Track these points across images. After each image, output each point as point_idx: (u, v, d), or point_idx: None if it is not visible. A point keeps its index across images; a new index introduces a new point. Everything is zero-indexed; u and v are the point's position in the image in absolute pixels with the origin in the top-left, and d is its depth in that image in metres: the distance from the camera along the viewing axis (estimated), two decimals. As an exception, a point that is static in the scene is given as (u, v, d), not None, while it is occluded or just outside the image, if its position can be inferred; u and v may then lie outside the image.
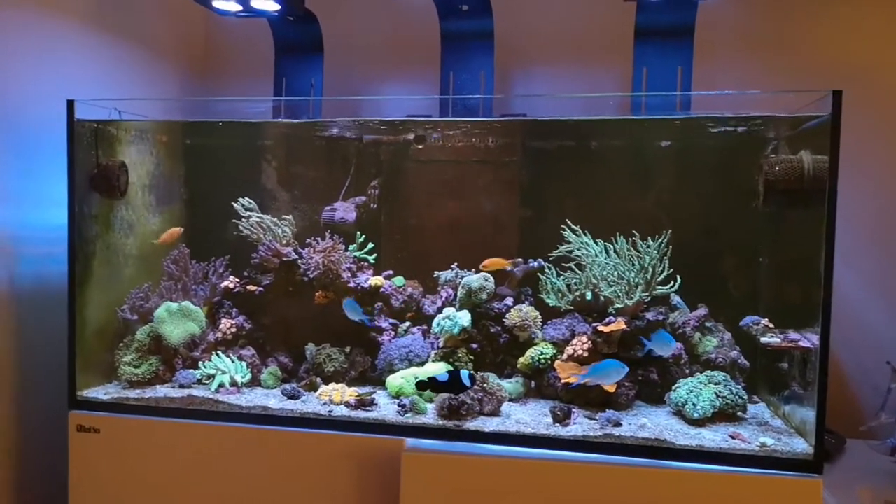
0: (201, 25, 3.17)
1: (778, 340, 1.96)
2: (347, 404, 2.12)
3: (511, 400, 2.16)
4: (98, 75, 2.56)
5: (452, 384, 1.99)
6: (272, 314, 2.47)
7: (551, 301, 2.28)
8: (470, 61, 2.62)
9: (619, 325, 2.10)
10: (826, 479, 1.80)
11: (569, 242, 2.26)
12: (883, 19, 2.58)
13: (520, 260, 2.39)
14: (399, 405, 2.09)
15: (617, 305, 2.17)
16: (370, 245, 2.49)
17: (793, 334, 1.95)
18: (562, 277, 2.27)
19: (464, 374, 1.99)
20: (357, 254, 2.48)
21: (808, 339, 1.90)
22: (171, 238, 2.48)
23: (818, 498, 1.74)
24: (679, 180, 2.47)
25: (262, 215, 2.49)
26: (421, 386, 2.06)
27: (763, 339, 2.00)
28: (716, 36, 2.61)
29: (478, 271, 2.38)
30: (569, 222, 2.26)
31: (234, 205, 2.48)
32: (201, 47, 3.19)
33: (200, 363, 2.33)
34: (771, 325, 2.04)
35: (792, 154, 2.00)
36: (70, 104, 2.20)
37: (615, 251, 2.21)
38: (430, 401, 2.13)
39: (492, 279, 2.35)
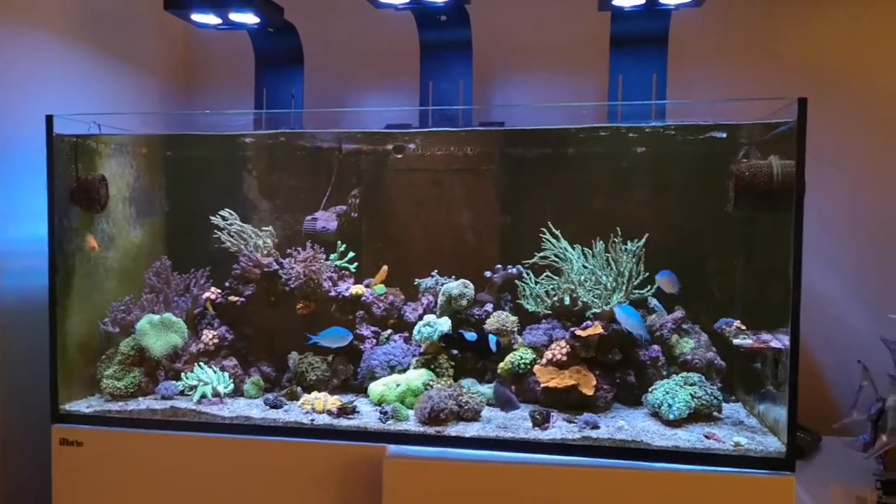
0: (181, 38, 3.19)
1: (750, 342, 1.99)
2: (329, 412, 2.14)
3: (491, 405, 2.18)
4: (78, 89, 2.57)
5: (479, 345, 2.15)
6: (254, 324, 2.48)
7: (530, 306, 2.31)
8: (449, 70, 2.65)
9: (596, 329, 2.13)
10: (801, 476, 1.84)
11: (545, 249, 2.29)
12: (854, 24, 2.64)
13: (499, 266, 2.42)
14: (381, 412, 2.11)
15: (595, 310, 2.21)
16: (351, 254, 2.51)
17: (765, 335, 1.99)
18: (539, 284, 2.30)
19: (492, 338, 2.14)
20: (338, 263, 2.50)
21: (780, 340, 1.94)
22: (89, 243, 2.42)
23: (791, 495, 1.78)
24: (654, 186, 2.51)
25: (242, 224, 2.51)
26: (446, 339, 2.18)
27: (735, 341, 2.04)
28: (689, 43, 2.65)
29: (458, 278, 2.41)
30: (550, 225, 2.29)
31: (213, 219, 2.49)
32: (181, 59, 3.20)
33: (183, 374, 2.34)
34: (743, 327, 2.08)
35: (762, 159, 2.05)
36: (49, 119, 2.22)
37: (593, 256, 2.25)
38: (411, 407, 2.15)
39: (471, 286, 2.38)
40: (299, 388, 2.31)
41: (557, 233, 2.29)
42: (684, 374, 2.13)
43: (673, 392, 2.04)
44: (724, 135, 2.30)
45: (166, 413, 2.20)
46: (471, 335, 2.18)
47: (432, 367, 2.28)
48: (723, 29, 2.74)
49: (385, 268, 2.44)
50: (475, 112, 2.69)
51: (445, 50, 2.64)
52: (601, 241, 2.24)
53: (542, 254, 2.29)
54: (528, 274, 2.34)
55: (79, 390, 2.34)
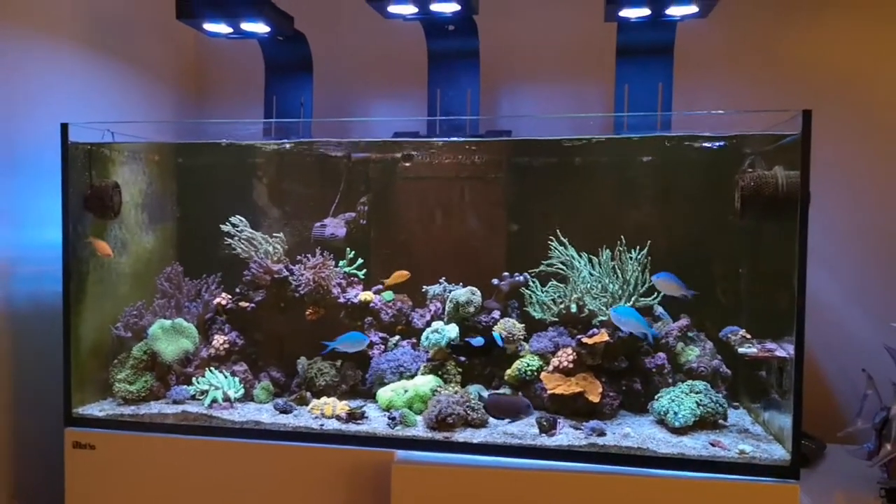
0: (192, 46, 3.23)
1: (755, 350, 2.01)
2: (338, 418, 2.17)
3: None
4: (89, 96, 2.61)
5: (486, 347, 2.21)
6: (264, 330, 2.52)
7: (536, 314, 2.33)
8: (457, 79, 2.68)
9: (603, 336, 2.15)
10: (805, 483, 1.86)
11: (551, 257, 2.32)
12: (858, 33, 2.66)
13: (506, 273, 2.45)
14: (389, 418, 2.14)
15: (601, 317, 2.23)
16: (360, 261, 2.54)
17: (770, 344, 2.01)
18: (546, 292, 2.33)
19: (496, 336, 2.20)
20: (347, 269, 2.53)
21: (785, 349, 1.96)
22: (102, 250, 2.42)
23: (795, 503, 1.80)
24: (659, 195, 2.53)
25: (253, 232, 2.54)
26: (452, 347, 2.24)
27: (740, 350, 2.06)
28: (695, 53, 2.68)
29: (465, 285, 2.44)
30: (558, 234, 2.32)
31: (223, 227, 2.53)
32: (192, 68, 3.24)
33: (194, 379, 2.37)
34: (748, 336, 2.10)
35: (767, 169, 2.07)
36: (64, 127, 2.25)
37: (599, 264, 2.28)
38: (420, 413, 2.18)
39: (479, 293, 2.41)
40: (308, 394, 2.33)
41: (565, 241, 2.31)
42: (690, 381, 2.15)
43: (679, 400, 2.06)
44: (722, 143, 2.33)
45: (178, 417, 2.23)
46: (477, 340, 2.22)
47: (440, 373, 2.30)
48: (728, 39, 2.77)
49: (404, 272, 2.46)
50: (483, 121, 2.72)
51: (453, 59, 2.67)
52: (607, 250, 2.27)
53: (548, 261, 2.32)
54: (533, 282, 2.36)
55: (91, 394, 2.38)
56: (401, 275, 2.48)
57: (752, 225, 2.21)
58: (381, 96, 3.10)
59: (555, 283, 2.33)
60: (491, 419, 2.12)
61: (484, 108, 2.79)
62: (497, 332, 2.26)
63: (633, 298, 2.22)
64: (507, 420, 2.10)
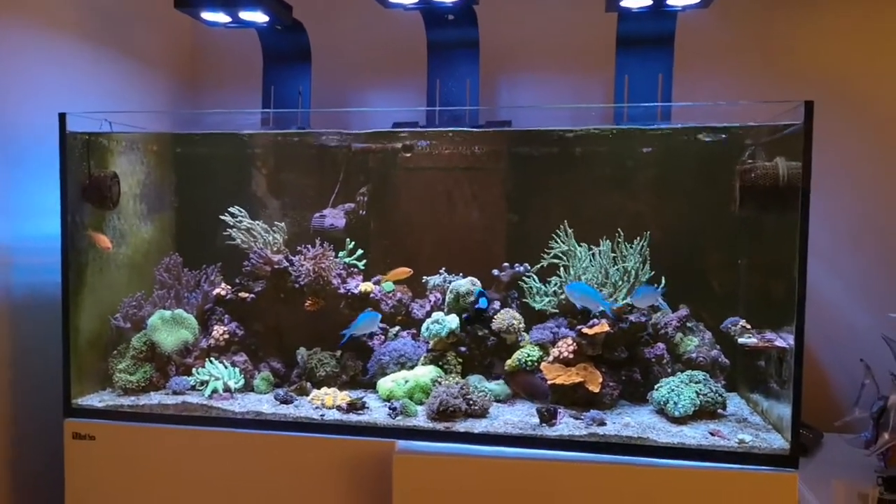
0: (189, 35, 3.20)
1: (755, 341, 2.02)
2: (339, 408, 2.17)
3: (499, 401, 2.22)
4: (86, 85, 2.59)
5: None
6: (264, 320, 2.51)
7: (536, 304, 2.34)
8: (456, 69, 2.67)
9: (603, 327, 2.16)
10: (802, 472, 1.87)
11: (552, 248, 2.32)
12: (860, 26, 2.66)
13: (506, 264, 2.45)
14: (390, 408, 2.14)
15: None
16: (360, 251, 2.54)
17: (769, 334, 2.02)
18: (551, 282, 2.33)
19: (478, 293, 2.31)
20: (347, 260, 2.53)
21: (784, 339, 1.97)
22: (101, 243, 2.41)
23: (794, 491, 1.81)
24: (660, 186, 2.53)
25: (252, 222, 2.53)
26: (469, 321, 2.33)
27: (741, 340, 2.07)
28: (695, 44, 2.67)
29: (465, 276, 2.44)
30: (564, 226, 2.33)
31: (223, 217, 2.52)
32: (190, 57, 3.22)
33: (194, 370, 2.37)
34: (748, 326, 2.11)
35: (768, 160, 2.07)
36: (62, 117, 2.24)
37: (600, 254, 2.28)
38: (420, 403, 2.18)
39: (479, 284, 2.41)
40: (309, 384, 2.34)
41: (570, 231, 2.32)
42: (689, 371, 2.16)
43: (678, 389, 2.07)
44: (714, 137, 2.33)
45: (178, 408, 2.23)
46: (481, 303, 2.29)
47: (440, 363, 2.31)
48: (729, 30, 2.76)
49: (407, 269, 2.47)
50: (482, 111, 2.72)
51: (453, 49, 2.66)
52: (607, 240, 2.27)
53: (553, 251, 2.32)
54: (530, 276, 2.37)
55: (91, 385, 2.37)
56: (402, 271, 2.47)
57: (753, 216, 2.22)
58: (380, 86, 3.09)
59: (559, 273, 2.32)
60: (490, 409, 2.12)
61: (483, 99, 2.78)
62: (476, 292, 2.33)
63: (633, 287, 2.22)
64: (525, 400, 2.15)
